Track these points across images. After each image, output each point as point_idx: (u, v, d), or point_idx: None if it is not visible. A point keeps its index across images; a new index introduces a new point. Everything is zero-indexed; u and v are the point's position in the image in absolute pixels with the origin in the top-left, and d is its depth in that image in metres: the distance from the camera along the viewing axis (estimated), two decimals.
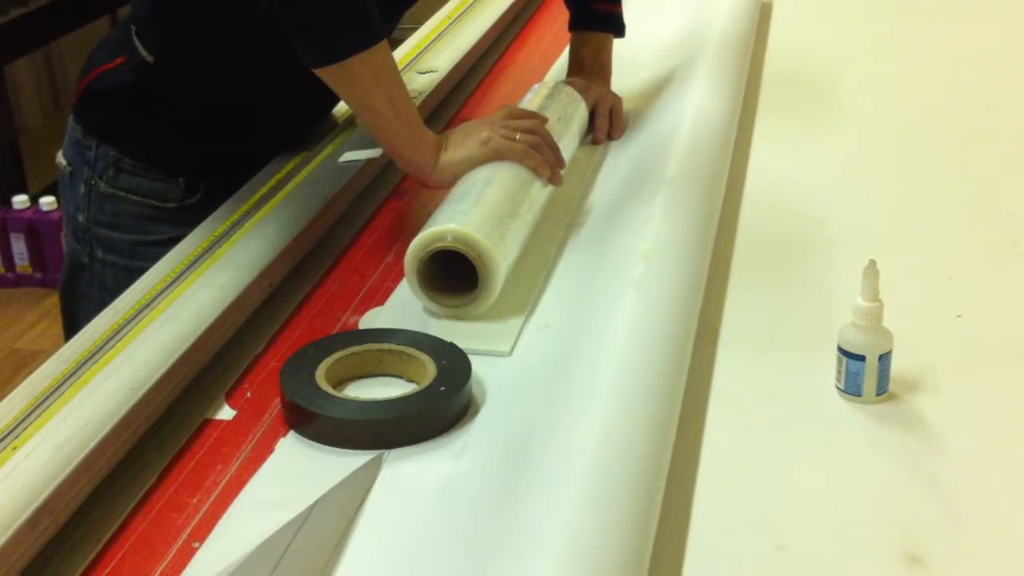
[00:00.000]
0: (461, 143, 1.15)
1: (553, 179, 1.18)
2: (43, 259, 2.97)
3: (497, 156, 1.14)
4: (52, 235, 2.94)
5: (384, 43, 1.11)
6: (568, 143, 1.27)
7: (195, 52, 1.22)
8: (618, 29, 1.46)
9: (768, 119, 1.53)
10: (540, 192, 1.16)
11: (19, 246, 2.96)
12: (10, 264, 2.98)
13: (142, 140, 1.25)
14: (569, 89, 1.37)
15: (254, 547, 0.75)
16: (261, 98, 1.26)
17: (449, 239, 1.01)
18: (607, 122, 1.40)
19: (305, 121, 1.37)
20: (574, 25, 1.47)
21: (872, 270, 0.92)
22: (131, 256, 1.24)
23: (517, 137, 1.16)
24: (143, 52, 1.22)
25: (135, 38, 1.23)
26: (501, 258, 1.02)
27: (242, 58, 1.22)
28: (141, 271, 1.08)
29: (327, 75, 1.11)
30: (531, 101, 1.31)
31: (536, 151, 1.16)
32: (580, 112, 1.35)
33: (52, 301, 2.96)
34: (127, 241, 1.26)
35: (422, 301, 1.03)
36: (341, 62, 1.09)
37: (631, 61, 1.55)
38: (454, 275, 1.02)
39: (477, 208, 1.05)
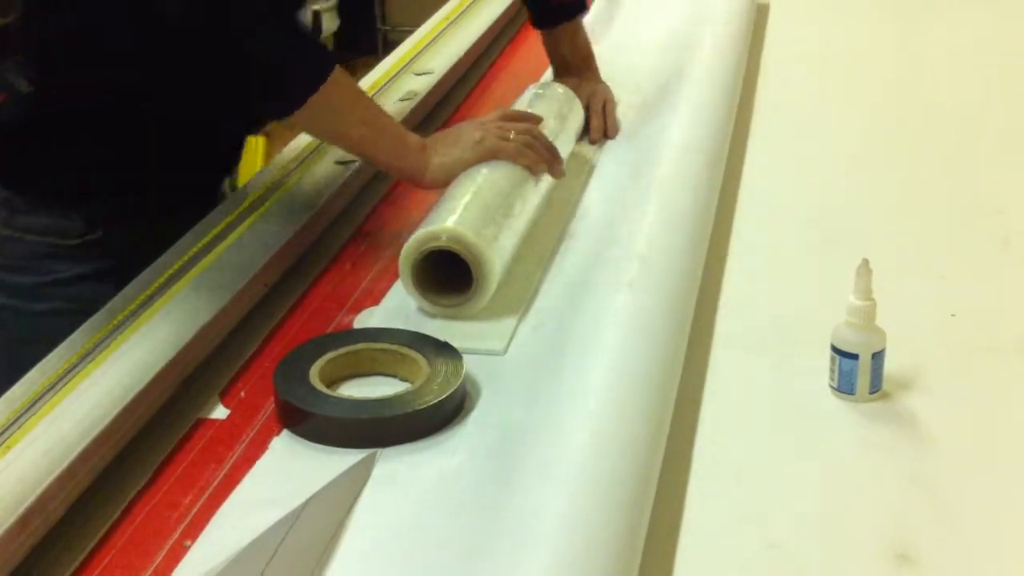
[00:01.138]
0: (454, 143, 1.15)
1: (553, 172, 1.17)
2: None
3: (490, 156, 1.14)
4: None
5: (339, 67, 1.08)
6: (565, 142, 1.27)
7: (74, 85, 1.14)
8: (580, 9, 1.43)
9: (764, 120, 1.53)
10: (535, 191, 1.16)
11: None
12: None
13: (32, 177, 1.18)
14: (564, 88, 1.37)
15: (246, 545, 0.75)
16: (152, 140, 1.17)
17: (444, 239, 1.01)
18: (602, 120, 1.40)
19: (206, 168, 1.27)
20: (538, 23, 1.44)
21: (865, 269, 0.92)
22: (35, 299, 1.18)
23: (511, 136, 1.16)
24: (21, 84, 1.14)
25: (11, 71, 1.15)
26: (496, 257, 1.02)
27: (124, 96, 1.13)
28: (48, 313, 1.03)
29: (302, 115, 1.07)
30: (527, 102, 1.31)
31: (530, 149, 1.16)
32: (576, 111, 1.35)
33: None
34: (28, 284, 1.19)
35: (417, 301, 1.03)
36: (313, 96, 1.05)
37: (628, 60, 1.56)
38: (449, 275, 1.02)
39: (471, 207, 1.05)
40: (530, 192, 1.14)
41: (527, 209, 1.13)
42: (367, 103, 1.13)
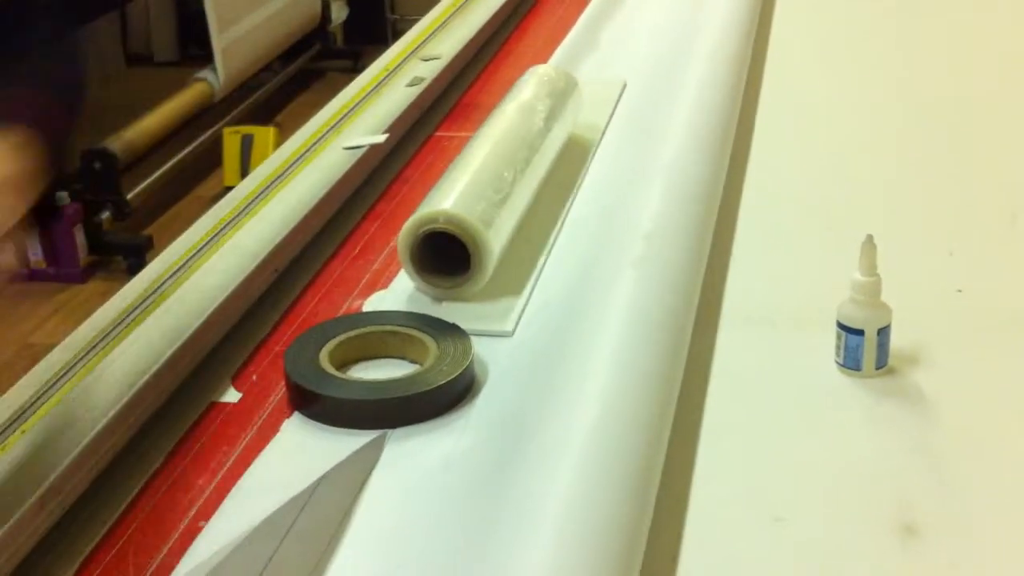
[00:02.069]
0: None
1: None
2: (56, 253, 3.00)
3: None
4: (65, 229, 2.97)
5: None
6: (562, 123, 1.27)
7: None
8: None
9: (770, 96, 1.53)
10: (535, 170, 1.15)
11: (32, 241, 2.98)
12: (24, 259, 3.00)
13: None
14: (561, 70, 1.35)
15: (258, 525, 0.76)
16: None
17: (441, 221, 1.01)
18: None
19: None
20: None
21: (869, 244, 0.92)
22: None
23: None
24: None
25: None
26: (494, 238, 1.02)
27: None
28: None
29: None
30: (522, 83, 1.30)
31: None
32: (574, 92, 1.34)
33: (66, 295, 2.98)
34: None
35: (415, 283, 1.03)
36: None
37: (633, 40, 1.56)
38: (449, 256, 1.02)
39: (470, 187, 1.05)
40: (530, 171, 1.15)
41: (526, 188, 1.13)
42: None
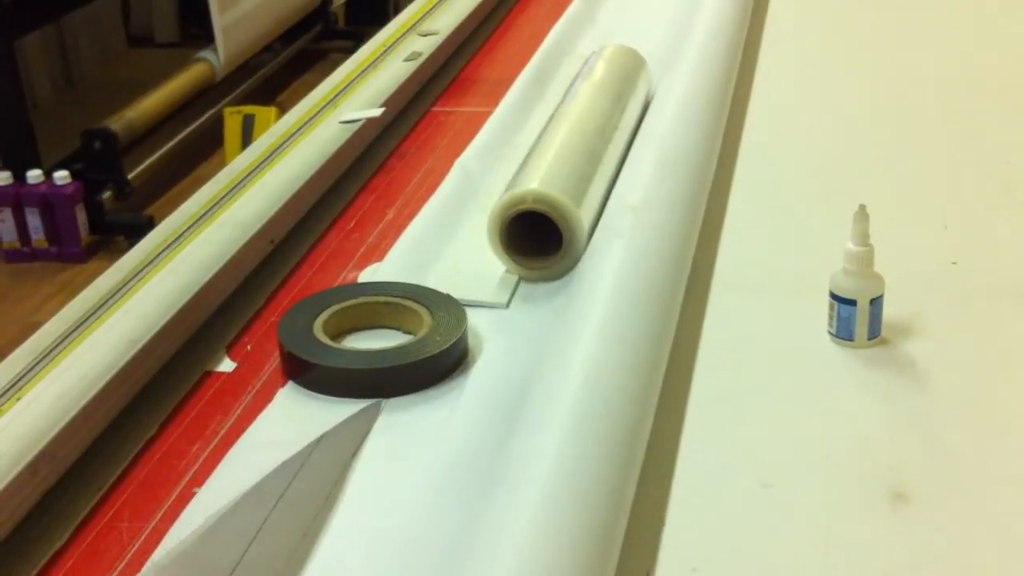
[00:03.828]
0: None
1: None
2: (58, 233, 3.00)
3: None
4: (67, 209, 2.97)
5: None
6: (633, 105, 1.26)
7: None
8: None
9: (767, 69, 1.53)
10: (615, 146, 1.15)
11: (34, 220, 2.98)
12: (26, 239, 3.00)
13: None
14: (629, 48, 1.33)
15: (251, 488, 0.76)
16: None
17: (530, 200, 1.00)
18: None
19: None
20: None
21: (862, 215, 0.92)
22: None
23: None
24: None
25: None
26: (584, 216, 1.01)
27: None
28: None
29: None
30: (591, 67, 1.29)
31: None
32: (643, 73, 1.32)
33: (68, 275, 2.99)
34: None
35: (506, 265, 1.02)
36: None
37: (627, 14, 1.55)
38: (533, 236, 1.01)
39: (556, 166, 1.04)
40: (612, 148, 1.14)
41: (609, 166, 1.12)
42: None
